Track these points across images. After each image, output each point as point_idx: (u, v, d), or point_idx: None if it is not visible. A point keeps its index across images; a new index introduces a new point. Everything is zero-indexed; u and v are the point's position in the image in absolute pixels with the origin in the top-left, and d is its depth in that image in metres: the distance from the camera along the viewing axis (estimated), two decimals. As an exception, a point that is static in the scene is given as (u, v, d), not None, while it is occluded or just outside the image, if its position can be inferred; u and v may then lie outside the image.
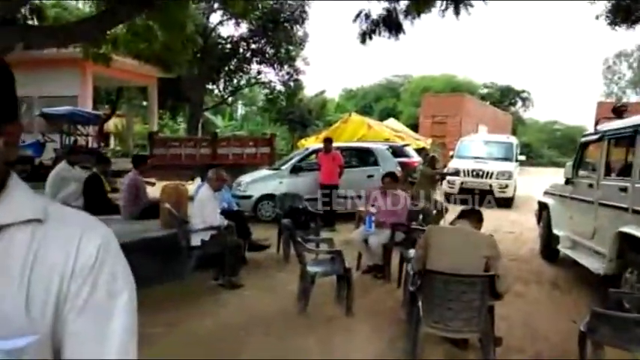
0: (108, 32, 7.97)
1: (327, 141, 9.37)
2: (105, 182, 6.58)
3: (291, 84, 21.20)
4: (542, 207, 7.15)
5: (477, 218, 3.53)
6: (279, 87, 21.74)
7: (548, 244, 6.71)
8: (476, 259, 3.20)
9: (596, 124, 6.00)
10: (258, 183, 9.68)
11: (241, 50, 20.18)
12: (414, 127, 24.28)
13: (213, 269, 5.40)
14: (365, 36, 7.75)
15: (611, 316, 3.19)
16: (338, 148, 10.63)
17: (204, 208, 5.23)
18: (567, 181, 6.33)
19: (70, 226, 0.77)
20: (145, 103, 22.42)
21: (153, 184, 7.38)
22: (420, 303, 3.27)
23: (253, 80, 22.43)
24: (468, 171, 12.62)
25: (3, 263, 0.71)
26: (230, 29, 19.66)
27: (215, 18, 19.25)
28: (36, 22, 8.86)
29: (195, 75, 18.06)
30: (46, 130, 13.69)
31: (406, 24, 7.96)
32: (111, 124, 21.26)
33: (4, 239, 0.72)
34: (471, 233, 3.38)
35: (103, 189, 6.43)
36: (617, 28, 6.91)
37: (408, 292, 3.95)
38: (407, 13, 7.71)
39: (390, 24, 7.84)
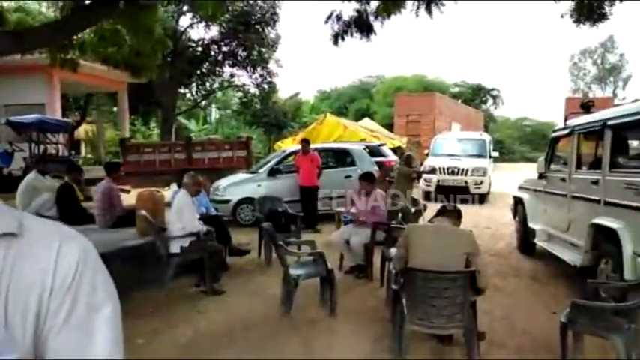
0: (75, 37, 7.78)
1: (305, 142, 9.35)
2: (78, 191, 6.41)
3: (265, 86, 21.12)
4: (518, 202, 7.29)
5: (456, 215, 3.58)
6: (253, 89, 21.66)
7: (525, 238, 6.84)
8: (456, 256, 3.23)
9: (566, 119, 6.15)
10: (236, 187, 9.59)
11: (213, 53, 19.99)
12: (389, 127, 24.49)
13: (194, 276, 5.32)
14: (337, 37, 7.75)
15: (589, 306, 3.28)
16: (315, 149, 10.63)
17: (182, 214, 5.14)
18: (540, 176, 6.47)
19: (46, 239, 0.73)
20: (115, 109, 21.98)
21: (128, 192, 7.21)
22: (403, 301, 3.28)
23: (226, 83, 22.25)
24: (443, 169, 12.81)
25: None
26: (200, 32, 19.47)
27: (185, 21, 19.04)
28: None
29: (166, 79, 17.79)
30: (13, 140, 13.29)
31: (377, 25, 8.02)
32: (81, 132, 20.79)
33: None
34: (451, 230, 3.42)
35: (76, 198, 6.26)
36: (581, 26, 7.11)
37: (391, 291, 3.96)
38: (377, 14, 7.76)
39: (361, 25, 7.86)
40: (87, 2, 6.96)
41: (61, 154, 13.98)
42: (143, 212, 5.12)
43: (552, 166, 6.29)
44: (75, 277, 0.72)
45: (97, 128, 20.24)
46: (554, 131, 6.63)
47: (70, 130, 14.70)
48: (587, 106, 5.67)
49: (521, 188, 7.36)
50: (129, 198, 6.80)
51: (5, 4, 9.79)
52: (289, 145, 15.25)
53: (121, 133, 16.54)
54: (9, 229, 0.71)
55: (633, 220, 4.07)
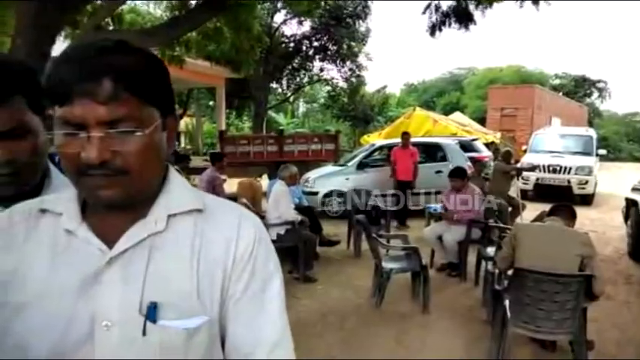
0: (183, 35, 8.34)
1: (406, 135, 9.08)
2: (185, 179, 6.90)
3: (353, 80, 21.10)
4: (631, 204, 6.67)
5: (569, 214, 3.35)
6: (341, 83, 21.73)
7: (638, 244, 6.25)
8: (570, 258, 3.03)
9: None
10: (324, 179, 9.74)
11: (304, 48, 20.35)
12: (481, 121, 23.43)
13: (287, 263, 5.52)
14: (434, 28, 7.57)
15: None
16: (404, 142, 10.49)
17: (279, 203, 5.35)
18: (660, 176, 5.85)
19: (227, 215, 0.82)
20: (212, 103, 23.26)
21: (224, 181, 7.65)
22: (506, 302, 3.16)
23: (316, 77, 22.57)
24: (544, 166, 11.94)
25: (174, 249, 0.76)
26: (293, 28, 19.90)
27: (279, 17, 19.58)
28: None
29: (260, 74, 18.45)
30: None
31: (477, 14, 7.70)
32: (182, 124, 22.29)
33: (172, 227, 0.77)
34: (565, 230, 3.21)
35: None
36: None
37: (491, 291, 3.82)
38: (478, 3, 7.45)
39: (461, 15, 7.61)
40: (196, 2, 7.43)
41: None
42: (244, 200, 5.41)
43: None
44: (253, 251, 0.80)
45: (196, 121, 21.56)
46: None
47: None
48: None
49: (635, 189, 6.71)
50: (226, 186, 7.20)
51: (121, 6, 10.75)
52: (376, 139, 15.19)
53: (217, 125, 17.46)
54: (196, 205, 0.80)
55: None
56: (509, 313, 3.07)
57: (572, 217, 3.35)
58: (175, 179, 0.82)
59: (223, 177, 7.60)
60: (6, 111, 0.94)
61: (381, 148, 10.71)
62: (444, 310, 4.50)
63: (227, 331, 0.78)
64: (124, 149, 0.70)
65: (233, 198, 6.08)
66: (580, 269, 3.00)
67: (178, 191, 0.81)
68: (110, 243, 0.74)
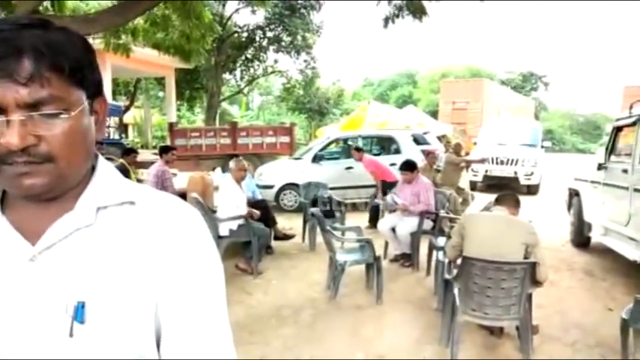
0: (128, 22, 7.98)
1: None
2: (132, 173, 6.63)
3: (308, 72, 21.07)
4: (573, 194, 6.99)
5: (514, 203, 3.45)
6: (296, 75, 21.64)
7: (580, 232, 6.57)
8: (515, 246, 3.12)
9: (631, 107, 5.79)
10: (279, 172, 9.67)
11: (257, 39, 20.08)
12: (433, 114, 24.00)
13: (240, 258, 5.42)
14: (387, 20, 7.60)
15: (655, 304, 3.10)
16: (359, 135, 10.57)
17: (231, 197, 5.23)
18: (599, 167, 6.15)
19: (163, 208, 0.76)
20: (162, 94, 22.58)
21: (175, 175, 7.42)
22: (455, 291, 3.21)
23: (270, 69, 22.35)
24: (492, 158, 12.37)
25: (104, 244, 0.71)
26: (246, 17, 19.63)
27: (231, 6, 19.19)
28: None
29: (211, 65, 18.05)
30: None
31: (429, 6, 7.79)
32: (129, 116, 21.50)
33: (102, 221, 0.72)
34: (510, 219, 3.30)
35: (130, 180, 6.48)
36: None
37: (441, 280, 3.89)
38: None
39: (414, 7, 7.67)
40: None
41: (111, 137, 14.51)
42: (194, 194, 5.24)
43: (613, 157, 5.97)
44: (190, 244, 0.74)
45: (145, 113, 20.86)
46: (617, 120, 6.27)
47: (120, 113, 15.22)
48: (655, 93, 5.31)
49: (577, 180, 7.03)
50: (176, 181, 6.99)
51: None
52: (331, 132, 15.23)
53: (167, 117, 16.96)
54: (129, 197, 0.75)
55: None
56: (458, 301, 3.13)
57: (516, 206, 3.46)
58: (105, 169, 0.76)
59: (173, 171, 7.37)
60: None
61: (336, 140, 10.73)
62: (398, 300, 4.56)
63: (162, 329, 0.73)
64: (48, 134, 0.65)
65: (183, 193, 5.90)
66: (525, 257, 3.10)
67: (108, 182, 0.75)
68: (33, 239, 0.69)
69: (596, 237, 6.10)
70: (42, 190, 0.67)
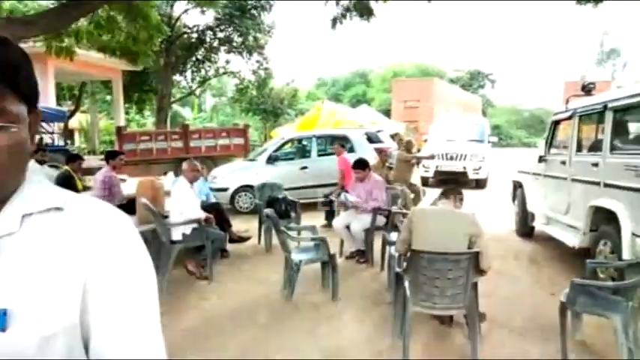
0: (70, 25, 7.68)
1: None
2: (77, 180, 6.39)
3: (261, 73, 20.93)
4: (517, 186, 7.32)
5: (457, 196, 3.59)
6: (249, 76, 21.46)
7: (524, 222, 6.90)
8: (459, 237, 3.26)
9: (567, 102, 6.14)
10: (234, 174, 9.58)
11: (208, 39, 19.76)
12: (386, 113, 24.44)
13: (193, 262, 5.33)
14: (335, 21, 7.70)
15: (588, 286, 3.32)
16: (313, 135, 10.63)
17: (183, 201, 5.13)
18: (540, 159, 6.48)
19: (91, 214, 0.76)
20: (109, 98, 21.82)
21: (124, 181, 7.21)
22: (406, 283, 3.31)
23: (222, 70, 22.05)
24: (442, 154, 12.80)
25: (28, 251, 0.71)
26: (195, 18, 19.29)
27: (179, 7, 18.79)
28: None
29: (161, 66, 17.63)
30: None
31: (377, 7, 7.96)
32: (75, 121, 20.66)
33: (27, 228, 0.72)
34: (454, 212, 3.44)
35: (75, 187, 6.24)
36: (582, 3, 7.06)
37: (394, 274, 3.99)
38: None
39: (361, 7, 7.81)
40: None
41: (56, 143, 13.91)
42: (144, 200, 5.11)
43: (552, 150, 6.31)
44: (119, 250, 0.75)
45: (91, 117, 20.11)
46: (555, 114, 6.62)
47: (64, 119, 14.60)
48: (588, 89, 5.66)
49: (520, 172, 7.38)
50: (126, 187, 6.80)
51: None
52: (286, 132, 15.24)
53: (116, 121, 16.42)
54: (56, 204, 0.74)
55: (632, 202, 4.10)
56: (409, 293, 3.22)
57: (459, 199, 3.60)
58: (33, 176, 0.76)
59: (123, 176, 7.16)
60: None
61: (291, 141, 10.75)
62: (353, 297, 4.63)
63: (91, 337, 0.73)
64: None
65: (132, 198, 5.75)
66: (469, 247, 3.24)
67: (35, 189, 0.75)
68: None
69: (539, 226, 6.42)
70: None
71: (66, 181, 6.17)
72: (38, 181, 0.77)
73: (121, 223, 0.77)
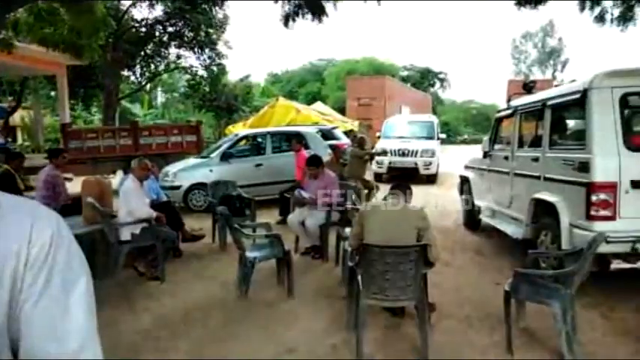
0: (7, 16, 7.27)
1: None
2: (19, 180, 6.06)
3: (214, 68, 20.56)
4: (464, 180, 7.59)
5: (406, 191, 3.70)
6: (201, 72, 21.03)
7: (471, 215, 7.16)
8: (408, 231, 3.36)
9: (509, 100, 6.43)
10: (186, 172, 9.40)
11: (157, 34, 19.19)
12: (341, 110, 24.65)
13: (142, 263, 5.19)
14: (288, 18, 7.69)
15: (530, 275, 3.50)
16: (267, 132, 10.59)
17: (131, 200, 4.99)
18: (485, 155, 6.75)
19: (20, 215, 0.75)
20: (53, 94, 20.79)
21: (70, 180, 6.90)
22: (359, 277, 3.37)
23: (172, 65, 21.50)
24: (394, 150, 13.10)
25: None
26: (144, 12, 18.62)
27: (126, -1, 18.12)
28: None
29: (108, 61, 16.96)
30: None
31: (329, 6, 8.01)
32: (17, 118, 19.57)
33: None
34: (403, 207, 3.54)
35: (17, 187, 5.93)
36: (522, 9, 7.42)
37: (347, 268, 4.05)
38: (328, -5, 7.74)
39: (313, 6, 7.83)
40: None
41: (-5, 141, 13.12)
42: (90, 199, 4.93)
43: (496, 146, 6.58)
44: (50, 251, 0.73)
45: (35, 114, 19.06)
46: (498, 112, 6.92)
47: (4, 115, 13.79)
48: (529, 87, 5.95)
49: (467, 167, 7.65)
50: (72, 186, 6.52)
51: None
52: (240, 129, 15.07)
53: (61, 118, 15.66)
54: None
55: (570, 194, 4.36)
56: (361, 286, 3.29)
57: (408, 193, 3.71)
58: None
59: (68, 175, 6.85)
60: None
61: (245, 137, 10.65)
62: (309, 292, 4.66)
63: (22, 340, 0.71)
64: None
65: (78, 197, 5.52)
66: (417, 240, 3.34)
67: None
68: None
69: (484, 219, 6.69)
70: None
71: (6, 181, 5.85)
72: None
73: (51, 223, 0.76)
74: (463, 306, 4.29)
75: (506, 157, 6.03)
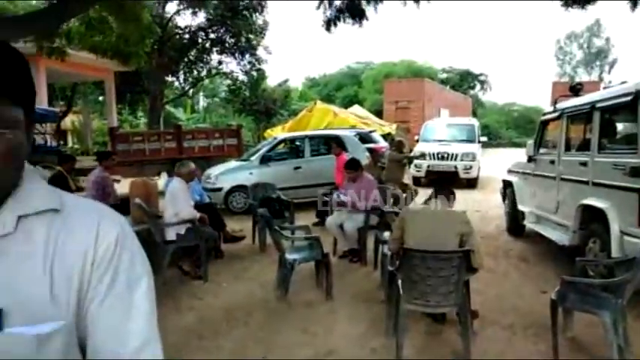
0: (61, 25, 7.66)
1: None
2: (70, 181, 6.37)
3: (254, 73, 20.96)
4: (507, 185, 7.41)
5: (449, 196, 3.64)
6: (242, 77, 21.48)
7: (514, 221, 6.97)
8: (451, 236, 3.31)
9: (555, 102, 6.24)
10: (227, 175, 9.60)
11: (200, 40, 19.75)
12: (378, 114, 24.51)
13: (187, 262, 5.34)
14: (329, 23, 7.74)
15: (579, 283, 3.38)
16: (306, 136, 10.67)
17: (177, 201, 5.15)
18: (529, 159, 6.57)
19: (87, 215, 0.78)
20: (102, 98, 21.70)
21: (118, 181, 7.20)
22: (399, 282, 3.35)
23: (214, 71, 22.03)
24: (433, 154, 12.91)
25: (25, 251, 0.72)
26: (187, 19, 19.22)
27: (171, 7, 18.76)
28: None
29: (153, 67, 17.58)
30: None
31: (369, 10, 8.03)
32: (67, 122, 20.51)
33: (24, 229, 0.72)
34: (445, 211, 3.50)
35: (69, 188, 6.23)
36: (569, 9, 7.18)
37: (387, 273, 4.04)
38: (369, -1, 7.75)
39: (354, 10, 7.86)
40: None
41: (49, 144, 13.80)
42: (137, 200, 5.12)
43: (541, 149, 6.40)
44: (115, 251, 0.76)
45: (84, 118, 19.97)
46: (544, 114, 6.72)
47: (57, 119, 14.50)
48: (576, 90, 5.76)
49: (510, 172, 7.47)
50: (120, 187, 6.79)
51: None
52: (279, 132, 15.25)
53: (109, 122, 16.34)
54: (51, 205, 0.75)
55: (620, 200, 4.18)
56: (401, 291, 3.27)
57: (452, 198, 3.66)
58: (30, 179, 0.77)
59: (116, 177, 7.15)
60: None
61: (284, 141, 10.78)
62: (347, 295, 4.66)
63: (88, 336, 0.74)
64: None
65: (126, 198, 5.75)
66: (460, 245, 3.29)
67: (32, 191, 0.76)
68: None
69: (529, 225, 6.50)
70: None
71: (59, 182, 6.15)
72: (35, 183, 0.77)
73: (116, 224, 0.79)
74: (506, 313, 4.18)
75: (552, 162, 5.85)
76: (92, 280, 0.74)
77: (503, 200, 7.65)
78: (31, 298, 0.69)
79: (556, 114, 5.97)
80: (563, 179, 5.47)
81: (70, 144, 20.64)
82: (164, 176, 10.47)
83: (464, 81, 41.63)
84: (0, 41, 0.72)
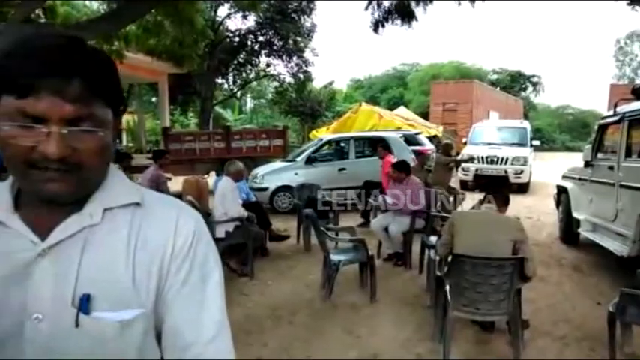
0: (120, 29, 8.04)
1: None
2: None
3: (300, 75, 21.18)
4: (561, 191, 7.11)
5: (502, 201, 3.54)
6: (288, 79, 21.75)
7: (569, 228, 6.69)
8: (504, 243, 3.22)
9: (615, 105, 5.94)
10: (273, 175, 9.74)
11: (249, 43, 20.18)
12: (424, 115, 24.12)
13: (235, 260, 5.47)
14: (378, 24, 7.72)
15: (639, 296, 3.20)
16: (351, 137, 10.67)
17: (226, 200, 5.29)
18: (586, 164, 6.28)
19: (166, 209, 0.83)
20: (155, 99, 22.54)
21: (170, 179, 7.46)
22: (447, 287, 3.30)
23: (262, 73, 22.43)
24: (482, 158, 12.54)
25: (110, 241, 0.77)
26: (237, 22, 19.68)
27: (222, 11, 19.28)
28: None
29: (204, 69, 18.11)
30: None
31: (418, 11, 7.94)
32: (123, 121, 21.39)
33: (108, 220, 0.78)
34: (498, 217, 3.40)
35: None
36: (637, 8, 6.77)
37: (433, 277, 3.98)
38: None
39: (402, 11, 7.80)
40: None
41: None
42: (189, 198, 5.30)
43: (599, 155, 6.10)
44: (192, 244, 0.81)
45: (138, 118, 20.81)
46: (603, 118, 6.41)
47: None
48: (638, 93, 5.45)
49: (565, 177, 7.17)
50: (171, 185, 7.04)
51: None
52: (324, 134, 15.31)
53: (161, 122, 16.97)
54: (133, 199, 0.81)
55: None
56: (449, 298, 3.21)
57: (504, 203, 3.55)
58: (114, 175, 0.83)
59: (168, 175, 7.42)
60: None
61: (329, 142, 10.83)
62: (391, 298, 4.64)
63: (164, 323, 0.79)
64: (82, 147, 0.72)
65: (178, 196, 5.95)
66: (513, 252, 3.19)
67: (116, 186, 0.82)
68: (43, 235, 0.74)
69: (584, 233, 6.22)
70: (65, 195, 0.73)
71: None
72: (119, 179, 0.83)
73: (193, 218, 0.84)
74: (559, 324, 4.03)
75: (611, 167, 5.57)
76: (170, 270, 0.79)
77: (557, 207, 7.35)
78: (115, 285, 0.75)
79: (616, 118, 5.68)
80: (622, 186, 5.20)
81: (124, 142, 21.58)
82: (212, 175, 10.76)
83: (515, 82, 40.22)
84: (95, 48, 0.77)
